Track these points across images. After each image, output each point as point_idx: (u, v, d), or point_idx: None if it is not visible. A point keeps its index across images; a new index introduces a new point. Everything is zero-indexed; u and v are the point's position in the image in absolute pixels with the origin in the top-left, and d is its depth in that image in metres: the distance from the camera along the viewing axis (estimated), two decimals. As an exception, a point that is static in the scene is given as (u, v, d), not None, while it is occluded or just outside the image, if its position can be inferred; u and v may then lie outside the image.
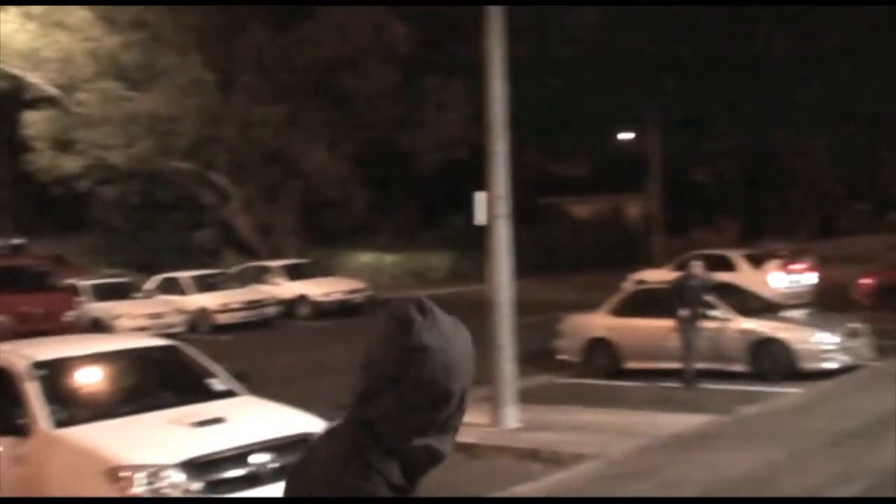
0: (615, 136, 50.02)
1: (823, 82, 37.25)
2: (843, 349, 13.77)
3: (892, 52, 35.63)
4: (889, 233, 50.14)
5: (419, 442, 1.94)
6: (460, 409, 1.98)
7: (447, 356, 1.93)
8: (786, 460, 8.67)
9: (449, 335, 1.95)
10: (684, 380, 13.71)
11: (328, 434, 2.07)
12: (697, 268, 14.89)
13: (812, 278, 22.38)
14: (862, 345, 14.24)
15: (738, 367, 14.01)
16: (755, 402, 11.93)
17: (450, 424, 1.98)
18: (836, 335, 13.85)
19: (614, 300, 15.86)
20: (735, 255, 22.82)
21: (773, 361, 13.78)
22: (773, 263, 21.98)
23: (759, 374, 13.73)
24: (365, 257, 36.81)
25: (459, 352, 1.96)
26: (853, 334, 14.19)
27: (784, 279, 21.57)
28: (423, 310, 1.95)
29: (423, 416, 1.93)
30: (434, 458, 1.97)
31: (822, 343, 13.68)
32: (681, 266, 22.17)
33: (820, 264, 23.17)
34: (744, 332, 14.08)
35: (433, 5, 30.82)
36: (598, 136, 48.80)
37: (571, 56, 36.58)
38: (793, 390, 12.67)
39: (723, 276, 20.37)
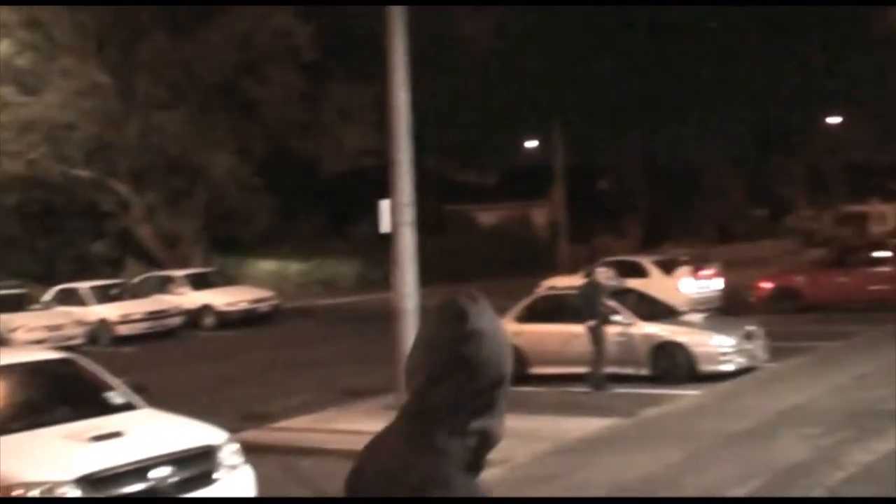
0: (522, 145, 50.54)
1: (721, 91, 38.28)
2: (740, 352, 14.15)
3: (786, 62, 36.79)
4: (785, 237, 51.87)
5: (479, 424, 2.04)
6: (506, 394, 2.10)
7: (499, 339, 2.07)
8: (686, 460, 8.86)
9: (497, 321, 2.10)
10: (592, 384, 13.91)
11: (387, 431, 2.15)
12: (602, 274, 15.19)
13: (719, 283, 22.92)
14: (758, 347, 14.67)
15: (640, 371, 14.29)
16: (657, 405, 12.17)
17: (502, 407, 2.09)
18: (733, 338, 14.22)
19: (519, 307, 16.00)
20: (647, 262, 23.20)
21: (673, 364, 14.09)
22: (684, 269, 22.44)
23: (660, 377, 14.03)
24: (271, 266, 36.45)
25: (505, 337, 2.11)
26: (750, 337, 14.59)
27: (694, 285, 21.99)
28: (473, 298, 2.07)
29: (482, 398, 2.03)
30: (493, 439, 2.10)
31: (719, 346, 14.03)
32: (591, 273, 22.53)
33: (721, 269, 23.77)
34: (645, 336, 14.37)
35: (337, 5, 30.68)
36: (504, 144, 49.21)
37: (476, 64, 36.83)
38: (692, 392, 12.97)
39: (635, 283, 20.82)
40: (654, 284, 21.45)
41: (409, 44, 11.62)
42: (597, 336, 13.96)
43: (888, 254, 23.10)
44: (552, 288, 22.43)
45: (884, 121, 44.52)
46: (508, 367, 2.07)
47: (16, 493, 6.36)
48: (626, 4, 33.91)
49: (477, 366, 2.01)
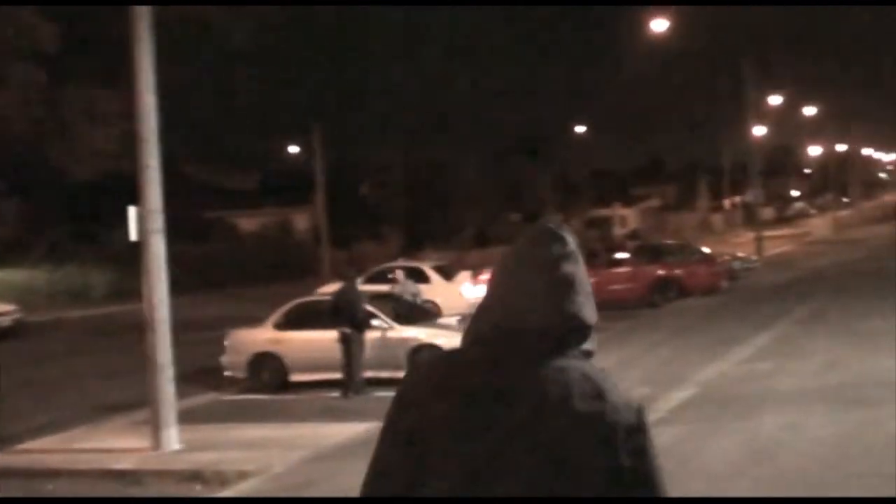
0: (284, 149, 50.18)
1: (478, 101, 39.69)
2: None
3: (537, 74, 38.58)
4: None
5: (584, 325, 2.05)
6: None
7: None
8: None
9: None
10: (348, 390, 14.04)
11: (468, 361, 2.04)
12: (399, 278, 15.72)
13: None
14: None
15: (399, 374, 14.51)
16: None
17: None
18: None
19: (277, 314, 15.87)
20: (428, 267, 23.42)
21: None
22: (464, 274, 22.91)
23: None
24: (15, 276, 34.14)
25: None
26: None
27: (475, 289, 22.32)
28: (559, 225, 2.13)
29: (581, 307, 2.03)
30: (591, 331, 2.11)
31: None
32: (373, 277, 22.59)
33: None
34: (403, 339, 14.62)
35: (82, 5, 29.23)
36: (266, 148, 48.77)
37: (235, 69, 36.25)
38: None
39: (421, 288, 21.13)
40: (436, 289, 21.88)
41: (161, 45, 11.28)
42: (350, 341, 14.10)
43: (627, 255, 24.68)
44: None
45: (625, 130, 47.63)
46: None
47: None
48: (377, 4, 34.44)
49: (579, 281, 2.05)
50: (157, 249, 11.15)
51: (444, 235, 49.29)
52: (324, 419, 12.33)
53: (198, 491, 9.29)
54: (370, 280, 22.32)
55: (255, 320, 16.54)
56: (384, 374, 14.52)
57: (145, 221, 11.07)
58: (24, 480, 10.13)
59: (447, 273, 23.18)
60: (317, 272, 37.53)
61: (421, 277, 22.49)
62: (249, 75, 36.18)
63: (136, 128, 11.19)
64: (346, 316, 14.22)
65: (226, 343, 15.96)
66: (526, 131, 48.04)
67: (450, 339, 14.55)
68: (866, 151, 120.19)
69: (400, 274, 19.83)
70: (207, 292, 33.77)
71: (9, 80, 29.35)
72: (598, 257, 24.91)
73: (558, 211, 60.51)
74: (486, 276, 23.52)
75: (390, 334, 14.72)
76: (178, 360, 11.68)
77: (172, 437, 10.92)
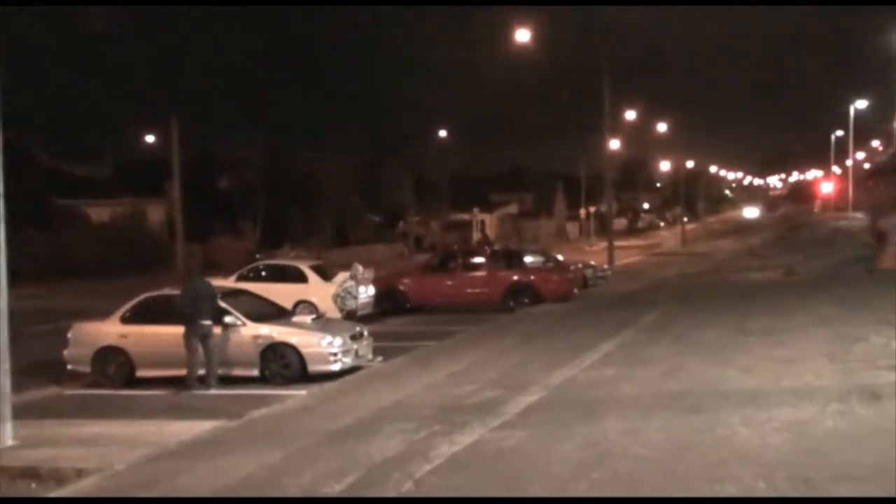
0: (139, 139, 48.81)
1: (342, 100, 39.59)
2: (347, 352, 14.69)
3: (401, 77, 38.75)
4: (396, 242, 54.39)
5: None
6: None
7: None
8: (286, 460, 9.03)
9: None
10: (186, 386, 13.93)
11: None
12: (359, 270, 16.22)
13: (371, 289, 22.52)
14: (364, 347, 15.31)
15: (250, 372, 14.37)
16: (264, 406, 12.28)
17: None
18: (340, 339, 14.72)
19: (126, 307, 15.46)
20: (305, 267, 22.81)
21: (283, 365, 14.33)
22: (343, 275, 22.48)
23: (270, 378, 14.21)
24: None
25: None
26: (357, 338, 15.19)
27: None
28: None
29: None
30: None
31: (328, 347, 14.46)
32: (245, 275, 22.06)
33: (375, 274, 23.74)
34: (256, 337, 14.47)
35: None
36: (120, 137, 47.36)
37: (94, 52, 35.12)
38: (299, 392, 13.25)
39: (294, 288, 20.80)
40: (313, 290, 21.43)
41: (16, 20, 10.83)
42: (191, 337, 13.97)
43: (483, 260, 25.09)
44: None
45: (483, 135, 48.53)
46: None
47: None
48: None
49: None
50: (-4, 236, 10.69)
51: (302, 234, 48.90)
52: (170, 416, 12.12)
53: (32, 489, 8.96)
54: (243, 278, 21.79)
55: (102, 313, 16.07)
56: (236, 373, 14.37)
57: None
58: None
59: (325, 273, 22.67)
60: (170, 266, 36.62)
61: (296, 277, 22.08)
62: (109, 62, 35.06)
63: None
64: (191, 311, 14.06)
65: (70, 336, 15.47)
66: (389, 133, 48.12)
67: (302, 338, 14.47)
68: (713, 169, 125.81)
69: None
70: (54, 283, 32.51)
71: None
72: (454, 261, 25.20)
73: (417, 214, 60.85)
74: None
75: (243, 331, 14.54)
76: (18, 352, 11.26)
77: (6, 433, 10.49)
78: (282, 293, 19.59)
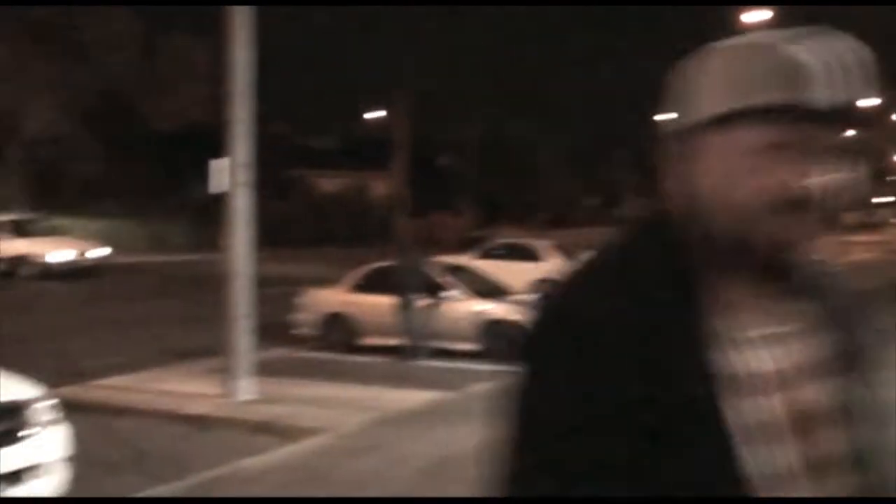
0: (366, 114, 50.26)
1: (567, 82, 39.33)
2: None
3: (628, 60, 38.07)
4: (615, 226, 53.57)
5: None
6: None
7: None
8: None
9: None
10: (405, 355, 14.23)
11: None
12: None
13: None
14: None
15: (468, 346, 14.52)
16: (482, 381, 12.38)
17: None
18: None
19: (353, 276, 15.99)
20: (543, 246, 22.47)
21: (501, 341, 14.37)
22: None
23: (488, 354, 14.31)
24: (95, 222, 34.97)
25: None
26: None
27: None
28: None
29: None
30: None
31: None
32: (487, 253, 22.28)
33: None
34: (474, 312, 14.60)
35: None
36: (349, 112, 49.01)
37: (328, 32, 36.51)
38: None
39: (527, 267, 20.78)
40: (546, 269, 21.28)
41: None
42: (410, 308, 14.24)
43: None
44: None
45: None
46: None
47: None
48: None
49: None
50: (243, 203, 11.28)
51: (517, 213, 49.08)
52: (389, 384, 12.35)
53: (267, 443, 9.41)
54: (485, 255, 21.81)
55: (325, 281, 16.68)
56: (454, 346, 14.55)
57: (232, 175, 11.19)
58: (98, 414, 10.36)
59: (564, 252, 21.98)
60: (387, 239, 37.68)
61: (532, 255, 21.90)
62: (338, 41, 36.30)
63: (227, 82, 11.30)
64: (408, 283, 14.36)
65: (300, 301, 16.15)
66: (614, 116, 47.41)
67: (520, 316, 14.47)
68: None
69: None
70: (278, 249, 34.14)
71: (109, 25, 29.87)
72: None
73: (636, 196, 59.68)
74: None
75: (464, 306, 14.70)
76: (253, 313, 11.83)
77: (247, 387, 11.09)
78: (521, 271, 19.75)
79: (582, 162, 55.56)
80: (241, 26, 11.20)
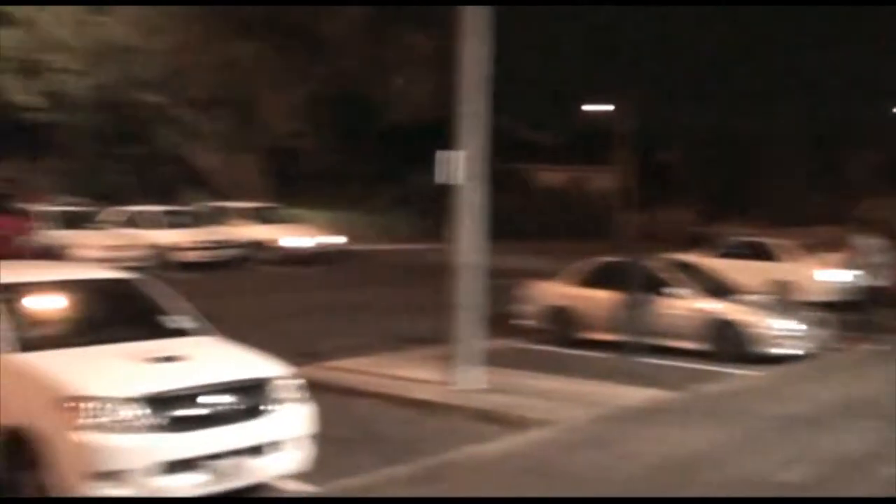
0: (588, 108, 49.88)
1: (797, 77, 37.62)
2: (801, 336, 13.92)
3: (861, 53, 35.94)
4: (851, 226, 50.45)
5: None
6: None
7: None
8: (736, 440, 8.77)
9: None
10: (626, 352, 13.93)
11: None
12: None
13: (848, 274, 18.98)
14: (820, 333, 14.40)
15: (689, 345, 14.12)
16: (708, 381, 12.04)
17: None
18: (794, 322, 14.00)
19: (576, 270, 15.91)
20: (784, 245, 21.21)
21: (729, 343, 13.90)
22: (829, 257, 20.08)
23: (714, 354, 13.87)
24: (330, 212, 36.50)
25: None
26: (811, 322, 14.35)
27: (832, 273, 19.86)
28: None
29: None
30: None
31: (779, 328, 13.82)
32: (726, 252, 21.44)
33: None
34: (697, 310, 14.19)
35: None
36: (571, 106, 48.76)
37: (554, 28, 36.50)
38: (747, 372, 12.80)
39: (761, 266, 19.97)
40: (785, 269, 20.29)
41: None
42: (635, 306, 13.91)
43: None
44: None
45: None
46: None
47: (71, 404, 6.42)
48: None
49: None
50: (473, 195, 11.45)
51: (741, 209, 47.26)
52: (611, 379, 12.18)
53: (491, 431, 9.50)
54: (727, 254, 21.00)
55: (546, 274, 16.68)
56: (675, 344, 14.18)
57: (464, 167, 11.36)
58: (330, 395, 10.79)
59: (801, 252, 20.84)
60: (605, 234, 37.21)
61: (770, 255, 20.74)
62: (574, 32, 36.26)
63: (459, 76, 11.44)
64: (633, 281, 14.08)
65: (521, 293, 16.24)
66: (847, 111, 44.88)
67: (752, 317, 13.91)
68: None
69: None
70: (502, 241, 34.28)
71: (338, 15, 30.92)
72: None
73: (876, 196, 56.16)
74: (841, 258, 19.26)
75: (692, 304, 14.30)
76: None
77: (472, 376, 11.27)
78: (759, 270, 19.23)
79: (815, 158, 52.92)
80: (475, 23, 11.32)
